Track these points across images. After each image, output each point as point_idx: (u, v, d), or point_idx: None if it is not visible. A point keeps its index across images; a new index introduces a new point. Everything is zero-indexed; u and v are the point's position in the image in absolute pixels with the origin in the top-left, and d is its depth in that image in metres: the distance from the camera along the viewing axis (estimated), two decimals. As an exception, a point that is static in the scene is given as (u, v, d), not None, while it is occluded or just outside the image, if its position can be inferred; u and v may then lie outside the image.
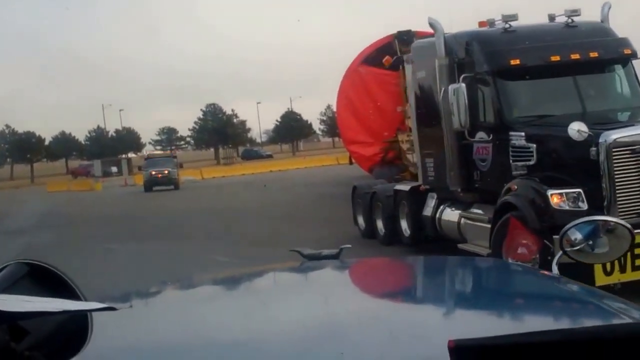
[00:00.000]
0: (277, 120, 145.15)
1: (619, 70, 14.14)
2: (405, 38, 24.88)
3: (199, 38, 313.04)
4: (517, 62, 13.76)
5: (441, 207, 16.17)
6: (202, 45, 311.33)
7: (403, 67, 19.85)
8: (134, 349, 2.48)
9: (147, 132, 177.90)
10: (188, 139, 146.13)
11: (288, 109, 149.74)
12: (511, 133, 13.43)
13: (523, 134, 13.15)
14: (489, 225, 13.46)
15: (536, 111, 14.06)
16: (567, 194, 11.81)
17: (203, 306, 3.14)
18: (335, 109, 26.25)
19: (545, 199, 11.98)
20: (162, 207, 39.27)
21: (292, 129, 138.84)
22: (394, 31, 25.37)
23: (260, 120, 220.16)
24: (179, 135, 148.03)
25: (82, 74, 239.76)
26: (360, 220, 20.63)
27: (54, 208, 44.33)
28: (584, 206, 11.51)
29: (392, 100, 25.34)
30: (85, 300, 1.97)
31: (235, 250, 19.39)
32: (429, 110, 16.13)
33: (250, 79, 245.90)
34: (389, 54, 25.05)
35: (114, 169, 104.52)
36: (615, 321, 2.38)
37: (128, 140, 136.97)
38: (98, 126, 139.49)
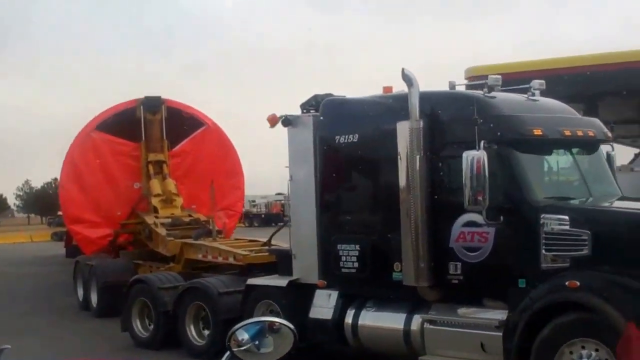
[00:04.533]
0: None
1: (599, 151, 10.13)
2: (153, 104, 18.45)
3: None
4: (540, 132, 8.54)
5: (352, 307, 10.30)
6: None
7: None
8: None
9: None
10: None
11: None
12: (545, 216, 8.06)
13: (566, 217, 8.18)
14: (497, 333, 8.36)
15: (554, 192, 8.90)
16: None
17: None
18: (59, 180, 18.46)
19: None
20: None
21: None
22: (139, 97, 18.75)
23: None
24: None
25: None
26: (138, 325, 12.82)
27: None
28: None
29: (129, 174, 17.85)
30: None
31: None
32: (359, 184, 10.14)
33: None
34: (131, 120, 18.16)
35: None
36: None
37: None
38: None
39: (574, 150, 9.20)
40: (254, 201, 63.34)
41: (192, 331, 11.94)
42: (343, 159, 10.00)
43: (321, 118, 10.27)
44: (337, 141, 9.99)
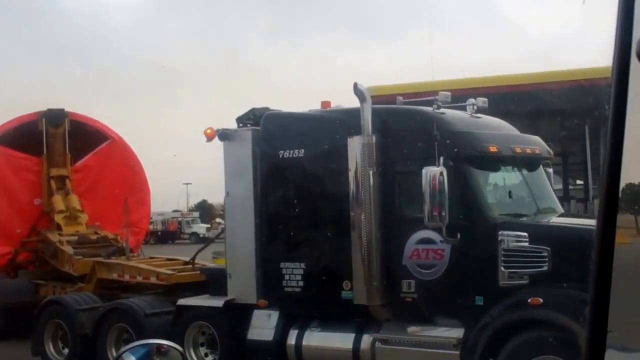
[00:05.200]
0: None
1: (540, 169, 10.01)
2: (55, 117, 17.13)
3: None
4: (495, 149, 8.38)
5: (294, 328, 9.63)
6: None
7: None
8: None
9: None
10: None
11: None
12: (503, 233, 7.85)
13: (525, 234, 7.93)
14: (454, 352, 8.11)
15: (508, 209, 8.72)
16: None
17: None
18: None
19: None
20: None
21: None
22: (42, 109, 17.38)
23: None
24: None
25: None
26: (52, 349, 11.66)
27: None
28: None
29: (29, 190, 16.50)
30: None
31: None
32: (305, 200, 9.36)
33: None
34: (32, 133, 16.79)
35: None
36: None
37: None
38: None
39: (522, 167, 9.11)
40: (150, 218, 61.48)
41: (113, 355, 11.01)
42: (287, 175, 9.49)
43: (262, 132, 9.70)
44: (280, 156, 9.46)
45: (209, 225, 59.46)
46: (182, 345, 10.14)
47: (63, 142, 16.53)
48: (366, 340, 8.76)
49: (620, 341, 1.23)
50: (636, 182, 1.28)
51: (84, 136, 16.84)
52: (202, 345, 10.32)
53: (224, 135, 9.98)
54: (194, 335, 10.30)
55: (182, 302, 10.39)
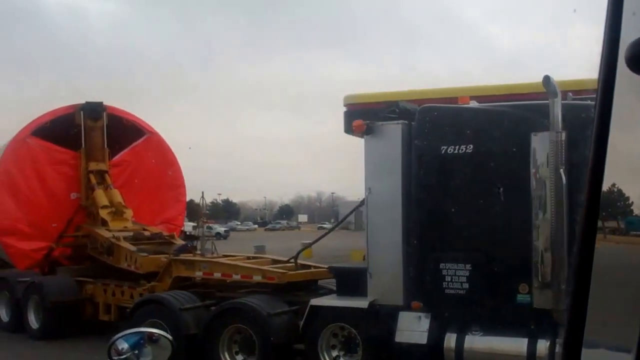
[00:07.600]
0: None
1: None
2: (94, 110, 15.25)
3: None
4: None
5: (451, 331, 8.51)
6: None
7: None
8: None
9: None
10: None
11: None
12: None
13: None
14: None
15: None
16: None
17: None
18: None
19: None
20: None
21: None
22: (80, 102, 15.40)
23: None
24: None
25: None
26: None
27: None
28: None
29: (66, 184, 14.73)
30: None
31: None
32: (474, 198, 8.22)
33: None
34: (70, 126, 14.88)
35: None
36: None
37: None
38: None
39: None
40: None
41: (225, 356, 9.68)
42: (453, 171, 8.42)
43: (418, 127, 8.64)
44: (443, 152, 8.40)
45: (195, 224, 57.82)
46: (315, 348, 9.00)
47: (101, 136, 14.88)
48: (543, 345, 7.84)
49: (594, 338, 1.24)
50: (605, 190, 1.22)
51: (120, 130, 15.19)
52: (333, 347, 9.14)
53: (370, 129, 8.85)
54: (328, 337, 9.12)
55: (315, 302, 9.18)
